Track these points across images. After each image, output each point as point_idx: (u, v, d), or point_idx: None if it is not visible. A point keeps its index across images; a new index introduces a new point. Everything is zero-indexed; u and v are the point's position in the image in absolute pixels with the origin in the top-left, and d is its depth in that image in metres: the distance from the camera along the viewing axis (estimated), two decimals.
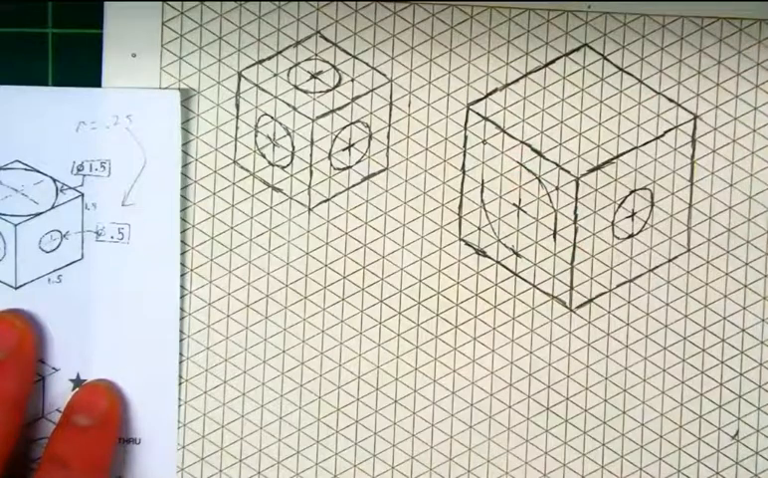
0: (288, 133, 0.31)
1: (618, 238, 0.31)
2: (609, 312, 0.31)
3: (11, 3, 0.31)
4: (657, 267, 0.31)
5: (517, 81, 0.31)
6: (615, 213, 0.31)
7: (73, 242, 0.30)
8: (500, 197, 0.31)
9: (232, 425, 0.31)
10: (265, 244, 0.31)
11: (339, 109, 0.31)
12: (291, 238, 0.31)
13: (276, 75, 0.31)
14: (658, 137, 0.31)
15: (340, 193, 0.31)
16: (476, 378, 0.31)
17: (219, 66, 0.31)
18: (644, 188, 0.31)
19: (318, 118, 0.31)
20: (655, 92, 0.30)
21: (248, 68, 0.31)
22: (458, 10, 0.31)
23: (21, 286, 0.30)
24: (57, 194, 0.30)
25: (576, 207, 0.31)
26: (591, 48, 0.31)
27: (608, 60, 0.31)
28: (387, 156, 0.31)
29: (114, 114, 0.30)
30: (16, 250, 0.30)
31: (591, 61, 0.31)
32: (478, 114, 0.31)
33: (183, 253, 0.31)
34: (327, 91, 0.31)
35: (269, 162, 0.31)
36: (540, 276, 0.31)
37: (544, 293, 0.31)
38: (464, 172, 0.31)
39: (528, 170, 0.31)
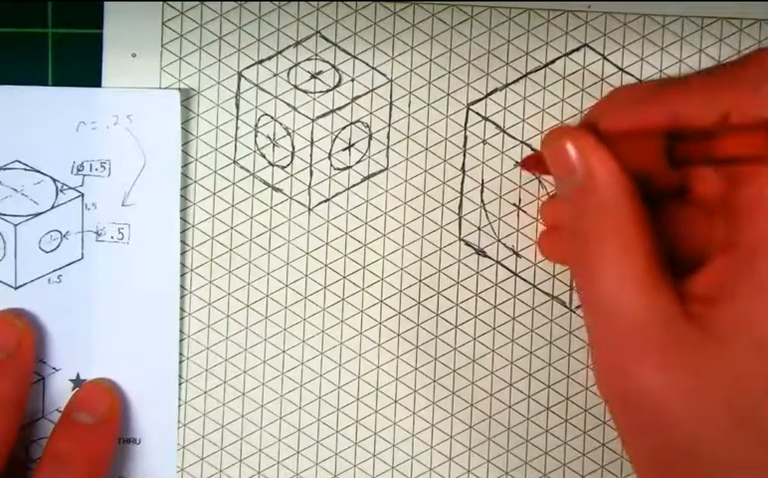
0: (288, 133, 0.31)
1: None
2: None
3: (11, 3, 0.30)
4: None
5: (517, 81, 0.31)
6: None
7: (73, 242, 0.30)
8: (500, 197, 0.31)
9: (232, 425, 0.31)
10: (265, 244, 0.31)
11: (339, 109, 0.31)
12: (291, 238, 0.31)
13: (276, 75, 0.31)
14: None
15: (340, 193, 0.31)
16: (476, 378, 0.31)
17: (219, 66, 0.31)
18: None
19: (318, 117, 0.31)
20: None
21: (248, 68, 0.31)
22: (458, 10, 0.31)
23: (21, 286, 0.30)
24: (57, 194, 0.30)
25: None
26: (591, 48, 0.31)
27: (608, 60, 0.31)
28: (387, 156, 0.31)
29: (114, 114, 0.30)
30: (16, 250, 0.30)
31: (591, 61, 0.31)
32: (477, 114, 0.31)
33: (183, 253, 0.31)
34: (327, 91, 0.31)
35: (269, 162, 0.31)
36: (540, 276, 0.31)
37: (544, 293, 0.31)
38: (464, 172, 0.31)
39: (528, 172, 0.31)
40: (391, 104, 0.31)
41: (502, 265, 0.31)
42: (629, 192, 0.23)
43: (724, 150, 0.21)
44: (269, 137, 0.31)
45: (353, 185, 0.31)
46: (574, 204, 0.24)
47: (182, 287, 0.31)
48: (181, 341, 0.31)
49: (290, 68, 0.31)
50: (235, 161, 0.31)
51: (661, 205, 0.26)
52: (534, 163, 0.29)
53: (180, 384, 0.31)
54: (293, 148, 0.31)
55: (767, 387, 0.20)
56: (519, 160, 0.31)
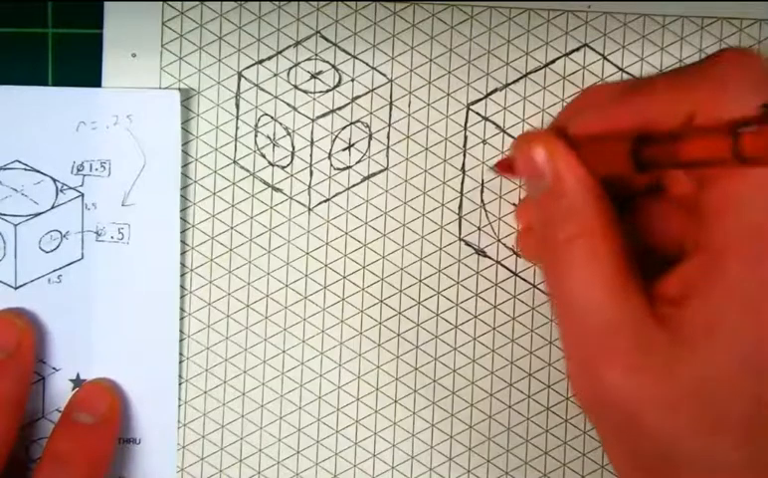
0: (288, 133, 0.31)
1: None
2: None
3: (11, 3, 0.31)
4: None
5: (517, 81, 0.31)
6: None
7: (73, 242, 0.30)
8: (500, 197, 0.31)
9: (232, 425, 0.31)
10: (265, 244, 0.31)
11: (339, 109, 0.31)
12: (291, 238, 0.31)
13: (276, 75, 0.31)
14: None
15: (340, 193, 0.31)
16: (476, 378, 0.31)
17: (219, 66, 0.31)
18: None
19: (318, 117, 0.31)
20: None
21: (248, 68, 0.31)
22: (458, 10, 0.31)
23: (21, 286, 0.30)
24: (57, 194, 0.30)
25: None
26: (591, 48, 0.31)
27: (608, 60, 0.31)
28: (387, 156, 0.31)
29: (114, 114, 0.30)
30: (16, 250, 0.30)
31: (591, 61, 0.31)
32: (477, 114, 0.31)
33: (183, 253, 0.31)
34: (327, 91, 0.31)
35: (269, 162, 0.31)
36: (540, 276, 0.31)
37: (544, 293, 0.31)
38: (464, 172, 0.31)
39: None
40: (391, 104, 0.31)
41: (502, 265, 0.31)
42: (596, 196, 0.23)
43: (687, 154, 0.21)
44: (269, 137, 0.31)
45: (353, 185, 0.31)
46: (543, 208, 0.24)
47: (182, 287, 0.31)
48: (181, 341, 0.31)
49: (290, 68, 0.31)
50: (235, 161, 0.31)
51: (640, 203, 0.25)
52: (508, 167, 0.29)
53: (180, 384, 0.31)
54: (293, 148, 0.31)
55: (738, 389, 0.20)
56: (493, 165, 0.31)
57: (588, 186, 0.23)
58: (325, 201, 0.31)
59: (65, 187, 0.30)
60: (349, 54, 0.31)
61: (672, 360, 0.21)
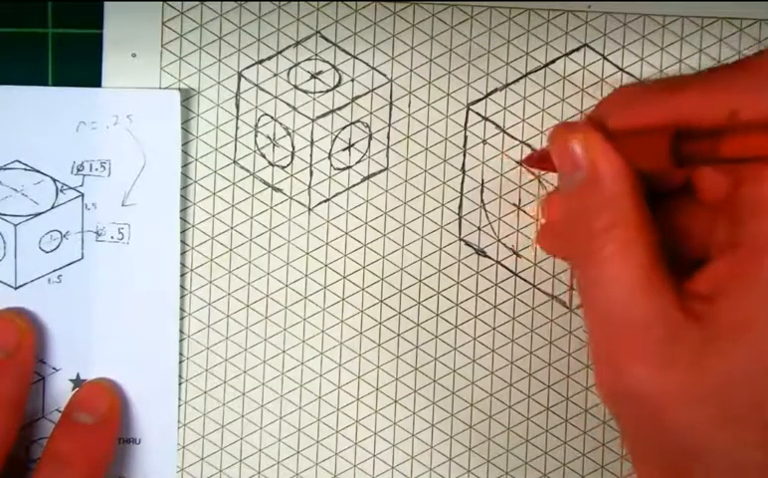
0: (288, 133, 0.31)
1: None
2: None
3: (11, 3, 0.31)
4: None
5: (517, 81, 0.31)
6: None
7: (73, 242, 0.30)
8: (500, 197, 0.31)
9: (232, 425, 0.31)
10: (265, 244, 0.31)
11: (339, 109, 0.31)
12: (291, 238, 0.31)
13: (276, 75, 0.31)
14: None
15: (340, 193, 0.31)
16: (475, 378, 0.31)
17: (219, 66, 0.31)
18: None
19: (318, 117, 0.31)
20: None
21: (248, 68, 0.31)
22: (458, 10, 0.31)
23: (21, 286, 0.30)
24: (57, 194, 0.30)
25: None
26: (591, 48, 0.31)
27: (608, 60, 0.31)
28: (387, 156, 0.31)
29: (114, 114, 0.30)
30: (16, 250, 0.30)
31: (591, 61, 0.31)
32: (477, 114, 0.31)
33: (183, 253, 0.31)
34: (327, 91, 0.31)
35: (269, 162, 0.31)
36: (540, 276, 0.31)
37: (544, 293, 0.31)
38: (464, 172, 0.31)
39: (528, 170, 0.31)
40: (391, 104, 0.31)
41: (502, 265, 0.31)
42: (634, 190, 0.23)
43: (731, 150, 0.21)
44: (269, 137, 0.31)
45: (353, 185, 0.31)
46: (579, 200, 0.24)
47: (182, 287, 0.31)
48: (181, 341, 0.31)
49: (290, 68, 0.31)
50: (235, 161, 0.31)
51: (666, 203, 0.26)
52: (537, 160, 0.29)
53: (180, 384, 0.31)
54: (293, 148, 0.31)
55: (765, 388, 0.20)
56: (520, 159, 0.31)
57: (626, 179, 0.23)
58: (325, 201, 0.31)
59: (65, 187, 0.30)
60: (349, 54, 0.31)
61: (700, 355, 0.21)
